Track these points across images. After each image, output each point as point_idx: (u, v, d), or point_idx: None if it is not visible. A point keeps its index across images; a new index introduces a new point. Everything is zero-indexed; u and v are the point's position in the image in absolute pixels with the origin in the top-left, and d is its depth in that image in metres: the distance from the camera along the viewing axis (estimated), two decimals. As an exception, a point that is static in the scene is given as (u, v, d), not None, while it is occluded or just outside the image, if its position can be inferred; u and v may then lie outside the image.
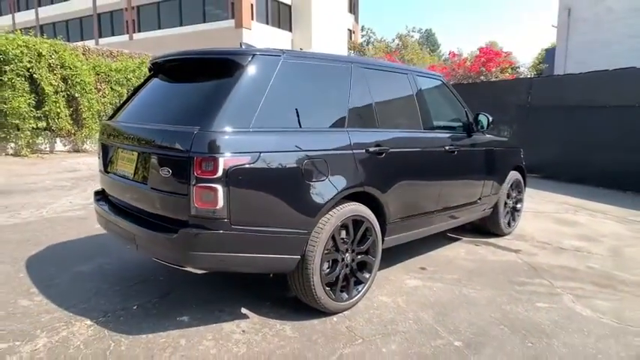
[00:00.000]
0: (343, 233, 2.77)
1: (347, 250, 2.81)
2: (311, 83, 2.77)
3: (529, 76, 10.86)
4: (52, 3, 30.41)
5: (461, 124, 3.99)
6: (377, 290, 3.19)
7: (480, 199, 4.17)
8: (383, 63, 3.42)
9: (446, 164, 3.62)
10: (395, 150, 3.07)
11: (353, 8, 35.88)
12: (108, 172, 2.98)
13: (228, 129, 2.26)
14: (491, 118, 3.91)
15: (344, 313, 2.81)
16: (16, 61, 9.16)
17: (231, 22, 24.85)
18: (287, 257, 2.50)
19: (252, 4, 25.49)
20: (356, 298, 2.89)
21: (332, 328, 2.63)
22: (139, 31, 27.67)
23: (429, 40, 57.91)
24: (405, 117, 3.43)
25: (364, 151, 2.85)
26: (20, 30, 10.46)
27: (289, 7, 28.32)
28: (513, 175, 4.68)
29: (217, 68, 2.54)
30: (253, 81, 2.43)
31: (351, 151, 2.76)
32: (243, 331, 2.56)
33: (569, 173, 8.67)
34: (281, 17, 27.90)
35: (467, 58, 12.42)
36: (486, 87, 10.37)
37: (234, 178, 2.23)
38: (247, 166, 2.27)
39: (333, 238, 2.67)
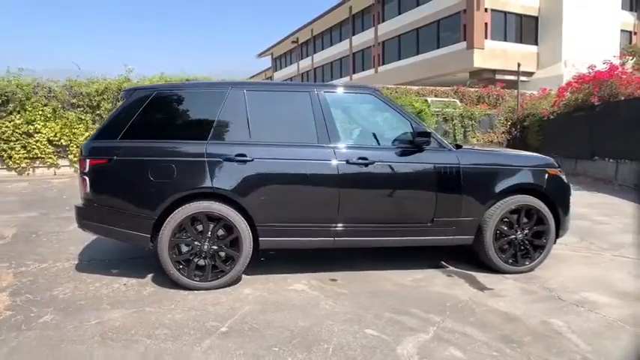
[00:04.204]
0: (200, 226, 3.43)
1: (204, 240, 3.43)
2: (180, 108, 3.65)
3: None
4: (322, 49, 37.77)
5: (397, 138, 3.75)
6: (256, 285, 3.60)
7: (433, 220, 3.72)
8: (276, 84, 3.74)
9: (353, 177, 3.57)
10: (264, 160, 3.46)
11: (634, 5, 29.08)
12: None
13: (97, 141, 3.48)
14: (421, 130, 3.53)
15: (196, 291, 3.42)
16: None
17: (462, 45, 24.80)
18: (138, 234, 3.43)
19: (486, 23, 24.70)
20: (214, 283, 3.45)
21: (167, 297, 3.33)
22: (383, 63, 30.92)
23: None
24: (294, 132, 3.66)
25: (221, 160, 3.42)
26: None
27: (536, 18, 25.84)
28: (517, 200, 3.83)
29: (120, 100, 3.74)
30: (126, 109, 3.53)
31: (203, 160, 3.40)
32: (125, 284, 3.61)
33: None
34: (524, 31, 25.79)
35: None
36: None
37: (94, 172, 3.40)
38: (104, 165, 3.38)
39: (182, 227, 3.39)
